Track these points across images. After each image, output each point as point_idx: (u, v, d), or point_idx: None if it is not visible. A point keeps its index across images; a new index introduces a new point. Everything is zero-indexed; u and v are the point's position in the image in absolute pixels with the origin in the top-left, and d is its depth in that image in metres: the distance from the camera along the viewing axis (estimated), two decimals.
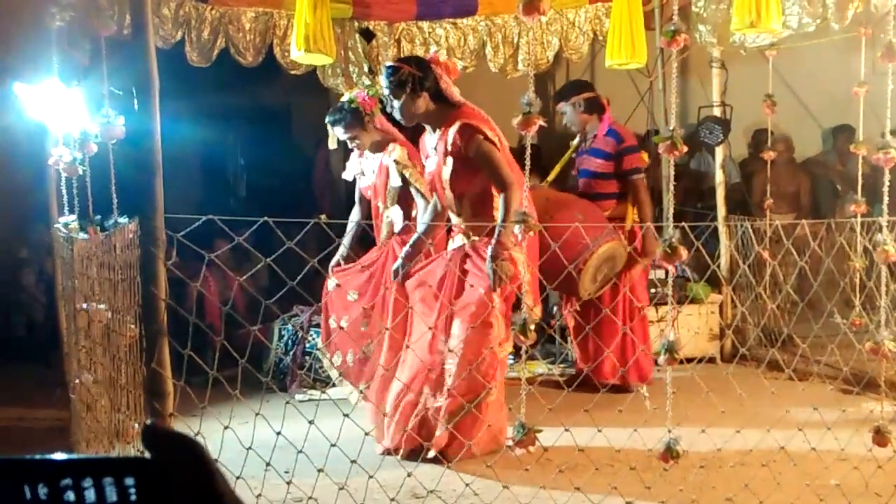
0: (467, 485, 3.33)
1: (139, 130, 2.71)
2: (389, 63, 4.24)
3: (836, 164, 7.83)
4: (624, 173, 5.30)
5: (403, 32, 6.34)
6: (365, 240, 5.21)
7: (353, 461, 3.01)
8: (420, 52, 6.18)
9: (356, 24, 6.20)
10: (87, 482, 0.70)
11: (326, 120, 4.91)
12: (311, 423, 2.89)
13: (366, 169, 4.98)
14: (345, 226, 4.95)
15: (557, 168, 5.73)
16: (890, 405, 3.80)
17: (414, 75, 4.01)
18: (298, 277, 2.99)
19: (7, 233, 7.21)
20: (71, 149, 4.19)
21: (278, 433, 2.92)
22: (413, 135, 4.71)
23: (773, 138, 6.38)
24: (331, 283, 4.82)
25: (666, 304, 3.70)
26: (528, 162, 3.21)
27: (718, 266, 5.95)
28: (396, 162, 4.69)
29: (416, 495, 3.50)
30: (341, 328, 4.67)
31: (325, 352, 4.92)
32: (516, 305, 3.85)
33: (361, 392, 4.40)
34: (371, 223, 4.91)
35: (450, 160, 4.01)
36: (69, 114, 4.28)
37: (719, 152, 6.58)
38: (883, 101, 3.75)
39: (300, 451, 2.99)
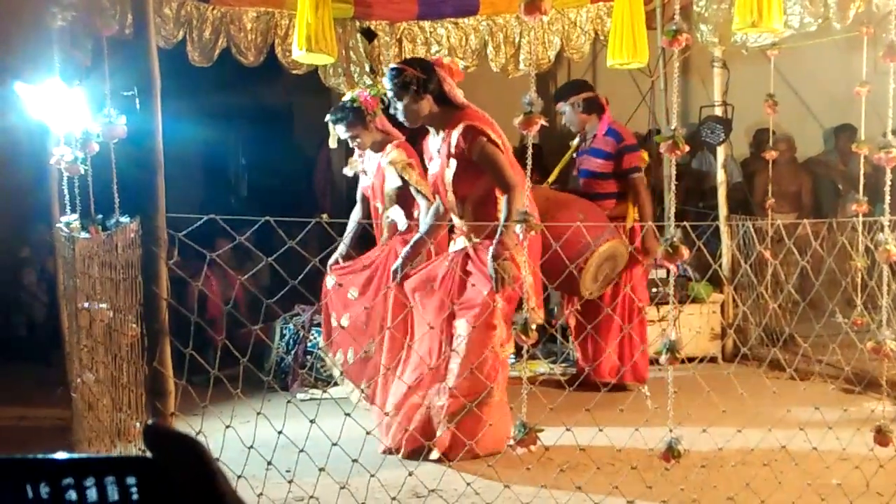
0: (468, 484, 3.33)
1: (141, 130, 2.72)
2: (393, 65, 4.23)
3: (837, 163, 7.83)
4: (623, 172, 5.30)
5: (405, 32, 6.34)
6: (365, 239, 5.22)
7: (355, 460, 3.01)
8: (421, 51, 6.19)
9: (357, 23, 6.20)
10: (89, 481, 0.70)
11: (328, 118, 4.91)
12: (312, 422, 2.90)
13: (366, 169, 4.99)
14: (345, 225, 4.96)
15: (558, 168, 5.73)
16: (891, 405, 3.81)
17: (418, 77, 3.99)
18: (300, 277, 2.99)
19: (8, 232, 7.22)
20: (72, 148, 4.19)
21: (280, 432, 2.92)
22: (416, 137, 4.71)
23: (774, 138, 6.38)
24: (329, 280, 4.83)
25: (667, 303, 3.69)
26: (529, 161, 3.21)
27: (720, 265, 5.95)
28: (392, 163, 4.69)
29: (417, 494, 3.49)
30: (342, 327, 4.67)
31: (328, 350, 4.93)
32: (519, 306, 3.84)
33: (363, 391, 4.40)
34: (372, 223, 4.92)
35: (453, 162, 4.00)
36: (71, 113, 4.28)
37: (721, 152, 6.58)
38: (884, 100, 3.75)
39: (301, 451, 2.99)
